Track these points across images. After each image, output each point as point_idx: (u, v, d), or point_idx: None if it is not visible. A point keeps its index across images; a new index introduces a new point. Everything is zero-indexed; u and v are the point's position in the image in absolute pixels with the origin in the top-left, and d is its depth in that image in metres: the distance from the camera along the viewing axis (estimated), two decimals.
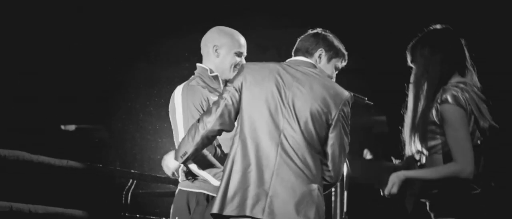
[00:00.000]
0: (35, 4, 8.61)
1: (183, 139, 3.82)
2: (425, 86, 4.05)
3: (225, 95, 3.76)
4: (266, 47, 9.93)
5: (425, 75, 4.08)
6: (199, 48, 4.43)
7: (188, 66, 5.08)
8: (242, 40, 4.39)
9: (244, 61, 4.34)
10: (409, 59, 4.25)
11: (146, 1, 7.84)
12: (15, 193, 6.24)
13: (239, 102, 3.76)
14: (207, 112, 3.79)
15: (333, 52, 4.02)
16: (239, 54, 4.33)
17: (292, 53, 3.99)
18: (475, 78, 4.30)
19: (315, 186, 3.67)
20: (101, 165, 5.99)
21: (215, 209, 3.64)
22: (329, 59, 4.01)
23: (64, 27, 8.84)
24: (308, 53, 3.94)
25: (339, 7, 9.10)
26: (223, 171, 3.73)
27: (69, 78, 9.03)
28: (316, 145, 3.71)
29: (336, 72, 4.12)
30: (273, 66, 3.81)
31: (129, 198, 6.07)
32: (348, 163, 4.92)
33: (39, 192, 7.29)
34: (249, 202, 3.61)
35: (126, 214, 6.03)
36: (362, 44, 9.13)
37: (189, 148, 3.80)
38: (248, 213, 3.59)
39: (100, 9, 8.88)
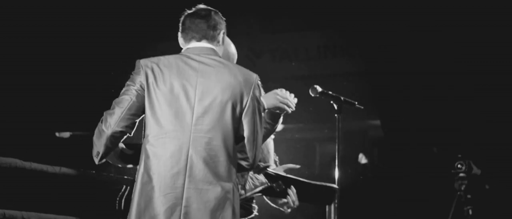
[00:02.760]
0: (33, 9, 8.59)
1: (93, 139, 3.63)
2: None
3: (126, 96, 3.58)
4: (260, 52, 9.91)
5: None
6: None
7: None
8: (231, 51, 4.28)
9: None
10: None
11: (144, 6, 7.78)
12: (8, 200, 6.22)
13: (142, 103, 3.58)
14: (111, 112, 3.59)
15: (225, 31, 3.83)
16: None
17: (186, 36, 3.74)
18: None
19: (230, 185, 3.55)
20: (94, 171, 5.96)
21: None
22: (224, 40, 3.82)
23: (62, 31, 8.81)
24: (212, 37, 3.74)
25: (333, 10, 9.09)
26: (135, 184, 3.58)
27: (65, 84, 9.01)
28: (230, 137, 3.58)
29: None
30: (172, 60, 3.63)
31: (123, 204, 6.04)
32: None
33: (32, 199, 7.28)
34: (163, 216, 3.48)
35: None
36: (359, 48, 9.13)
37: (100, 149, 3.62)
38: None
39: (99, 14, 8.85)
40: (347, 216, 8.30)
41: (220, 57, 3.72)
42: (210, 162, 3.53)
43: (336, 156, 5.12)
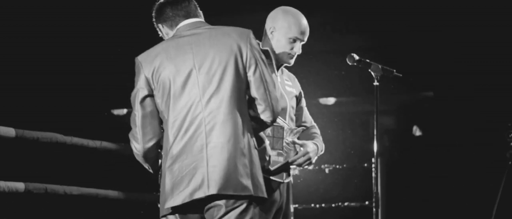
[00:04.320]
0: (34, 9, 8.63)
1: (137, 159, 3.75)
2: None
3: (135, 111, 3.65)
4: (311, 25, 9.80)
5: None
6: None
7: None
8: (302, 26, 4.19)
9: (300, 48, 4.20)
10: None
11: (145, 6, 7.73)
12: (50, 175, 6.29)
13: (153, 105, 3.65)
14: (132, 134, 3.66)
15: None
16: (294, 40, 4.16)
17: (173, 22, 3.78)
18: None
19: (247, 142, 3.57)
20: None
21: (166, 205, 3.54)
22: None
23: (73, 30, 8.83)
24: (198, 15, 3.79)
25: None
26: (161, 172, 3.64)
27: (120, 63, 9.08)
28: (239, 94, 3.59)
29: None
30: (165, 44, 3.68)
31: None
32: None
33: (73, 173, 7.34)
34: (193, 183, 3.50)
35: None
36: (396, 22, 9.00)
37: (146, 164, 3.74)
38: (196, 195, 3.49)
39: (99, 14, 8.86)
40: (395, 187, 8.24)
41: (208, 25, 3.75)
42: (224, 122, 3.55)
43: (375, 126, 5.01)
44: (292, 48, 4.16)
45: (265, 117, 3.65)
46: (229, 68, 3.59)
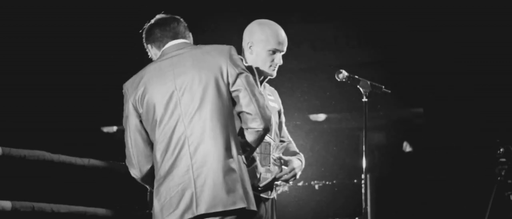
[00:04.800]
0: (80, 5, 8.63)
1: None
2: None
3: (126, 136, 3.75)
4: (299, 41, 9.83)
5: None
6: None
7: None
8: (280, 37, 4.22)
9: (281, 59, 4.21)
10: None
11: (145, 6, 7.75)
12: (38, 193, 6.25)
13: (143, 131, 3.73)
14: (127, 161, 3.80)
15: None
16: (274, 52, 4.18)
17: (161, 44, 3.83)
18: None
19: (234, 158, 3.61)
20: (123, 163, 5.93)
21: None
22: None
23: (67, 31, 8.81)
24: (187, 36, 3.86)
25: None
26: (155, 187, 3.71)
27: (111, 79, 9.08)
28: (223, 111, 3.63)
29: None
30: (148, 69, 3.75)
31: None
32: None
33: (61, 191, 7.32)
34: (182, 205, 3.57)
35: (151, 212, 5.98)
36: (394, 36, 9.02)
37: (147, 186, 3.87)
38: (186, 217, 3.57)
39: (99, 15, 8.86)
40: (385, 203, 8.23)
41: (191, 45, 3.80)
42: (207, 140, 3.59)
43: (364, 141, 5.02)
44: (272, 60, 4.18)
45: (256, 124, 3.66)
46: (210, 87, 3.62)
